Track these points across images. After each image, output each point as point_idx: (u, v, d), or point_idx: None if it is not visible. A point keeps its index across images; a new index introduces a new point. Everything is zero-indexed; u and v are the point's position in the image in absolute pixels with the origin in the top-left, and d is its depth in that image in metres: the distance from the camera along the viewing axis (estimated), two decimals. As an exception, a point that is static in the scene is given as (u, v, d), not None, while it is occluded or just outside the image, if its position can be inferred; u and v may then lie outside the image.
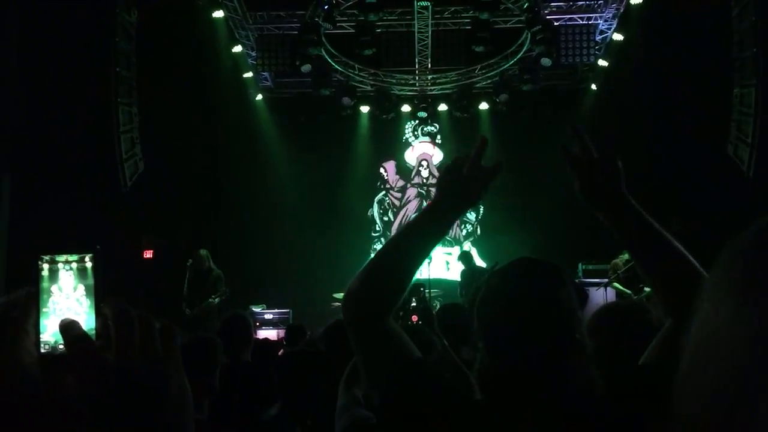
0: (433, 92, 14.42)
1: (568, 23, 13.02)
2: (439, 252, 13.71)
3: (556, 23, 12.74)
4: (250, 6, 13.04)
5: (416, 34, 13.34)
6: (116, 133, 11.16)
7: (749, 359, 0.60)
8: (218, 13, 12.44)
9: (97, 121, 10.82)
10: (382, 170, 14.95)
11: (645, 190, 1.77)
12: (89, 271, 0.76)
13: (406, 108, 14.40)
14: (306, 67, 12.70)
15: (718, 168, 11.12)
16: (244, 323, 3.98)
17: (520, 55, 13.32)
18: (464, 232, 14.73)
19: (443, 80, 14.21)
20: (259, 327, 10.36)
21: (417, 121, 14.74)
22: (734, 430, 0.59)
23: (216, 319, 8.74)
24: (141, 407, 0.68)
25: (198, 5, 12.16)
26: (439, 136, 14.86)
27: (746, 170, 10.72)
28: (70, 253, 0.76)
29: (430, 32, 13.27)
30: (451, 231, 14.80)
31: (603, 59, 13.30)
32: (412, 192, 14.87)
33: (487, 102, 14.07)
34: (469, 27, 12.68)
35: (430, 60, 13.87)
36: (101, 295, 0.75)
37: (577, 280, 9.94)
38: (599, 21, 13.13)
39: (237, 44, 13.23)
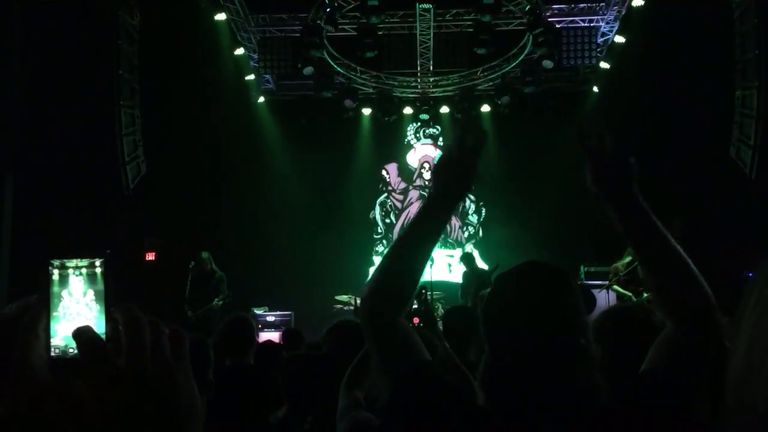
0: (435, 94, 14.43)
1: (569, 26, 13.03)
2: (441, 254, 13.71)
3: (557, 26, 12.74)
4: (252, 8, 13.05)
5: (418, 36, 13.35)
6: (119, 136, 11.19)
7: None
8: (220, 16, 12.45)
9: (99, 123, 10.85)
10: (384, 172, 14.96)
11: (646, 192, 1.78)
12: (99, 276, 0.77)
13: (408, 110, 14.40)
14: (308, 70, 12.71)
15: (720, 170, 11.12)
16: (247, 325, 3.98)
17: (521, 57, 13.33)
18: (466, 234, 14.73)
19: (445, 82, 14.22)
20: (261, 329, 10.36)
21: (419, 124, 14.75)
22: None
23: (218, 321, 8.76)
24: (151, 412, 0.69)
25: (200, 8, 12.17)
26: (441, 138, 14.86)
27: (748, 172, 10.72)
28: (80, 257, 0.77)
29: (432, 34, 13.29)
30: (453, 233, 14.84)
31: (605, 61, 13.30)
32: (414, 194, 14.87)
33: (489, 104, 14.07)
34: (471, 29, 12.68)
35: (431, 62, 13.88)
36: (111, 300, 0.76)
37: (578, 282, 9.94)
38: (601, 23, 13.14)
39: (239, 47, 13.25)
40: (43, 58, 9.48)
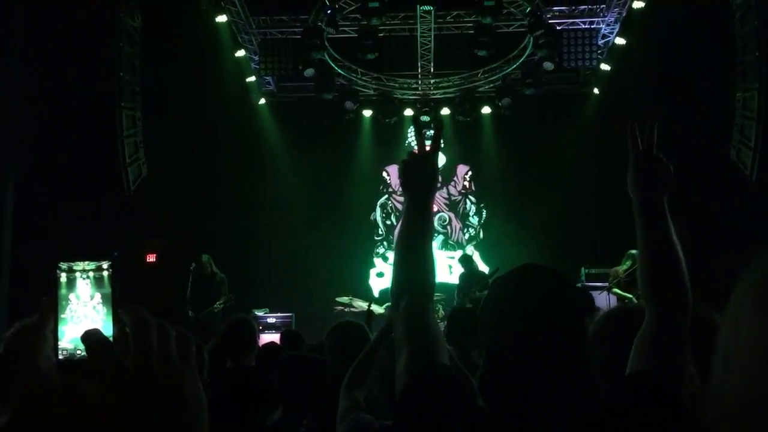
0: (436, 96, 14.44)
1: (570, 27, 13.03)
2: (442, 255, 13.72)
3: (558, 27, 12.75)
4: (253, 10, 13.07)
5: (419, 38, 13.36)
6: (120, 138, 11.19)
7: None
8: (221, 18, 12.47)
9: (100, 125, 10.85)
10: (384, 174, 14.96)
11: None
12: (106, 279, 0.77)
13: (408, 112, 14.41)
14: (309, 72, 12.73)
15: (721, 172, 11.12)
16: (249, 327, 3.98)
17: (522, 59, 13.34)
18: (467, 235, 14.73)
19: (446, 84, 14.23)
20: (262, 331, 10.36)
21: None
22: None
23: (219, 323, 8.77)
24: (158, 414, 0.69)
25: (201, 10, 12.19)
26: (441, 140, 14.84)
27: (749, 174, 10.72)
28: (87, 260, 0.77)
29: (432, 36, 13.30)
30: (453, 234, 14.84)
31: (605, 63, 13.31)
32: (414, 196, 14.86)
33: (490, 106, 14.08)
34: (472, 31, 12.68)
35: (432, 64, 13.89)
36: (118, 302, 0.76)
37: (579, 284, 9.94)
38: (601, 25, 13.15)
39: (240, 48, 13.26)
40: (44, 60, 9.48)
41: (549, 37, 12.12)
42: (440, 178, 14.88)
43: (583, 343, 1.46)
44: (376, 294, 13.29)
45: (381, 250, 14.53)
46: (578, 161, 13.26)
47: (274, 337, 10.33)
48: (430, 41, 13.40)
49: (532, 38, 12.49)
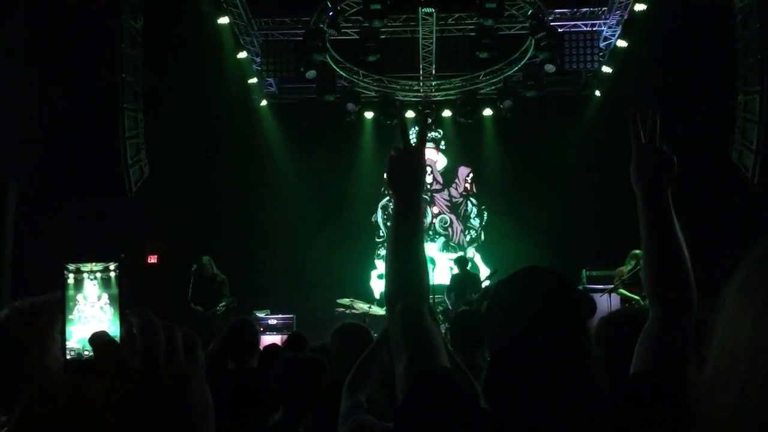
0: (437, 98, 14.44)
1: (572, 30, 13.04)
2: (443, 258, 13.72)
3: (560, 30, 12.76)
4: (255, 12, 13.08)
5: (420, 40, 13.36)
6: (122, 139, 11.20)
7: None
8: (223, 20, 12.49)
9: (102, 126, 10.87)
10: (386, 176, 14.93)
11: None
12: (113, 280, 0.78)
13: (410, 114, 14.42)
14: (311, 73, 12.74)
15: (723, 174, 11.12)
16: (251, 329, 3.98)
17: (524, 61, 13.34)
18: (468, 237, 14.73)
19: (447, 86, 14.24)
20: (263, 332, 10.37)
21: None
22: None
23: (220, 325, 8.78)
24: (165, 414, 0.70)
25: (203, 11, 12.21)
26: (443, 142, 14.87)
27: (750, 176, 10.72)
28: (95, 261, 0.78)
29: (434, 38, 13.30)
30: (455, 236, 14.84)
31: (607, 66, 13.31)
32: (416, 198, 14.86)
33: (491, 108, 14.08)
34: (474, 33, 12.70)
35: (434, 66, 13.89)
36: (125, 303, 0.77)
37: (581, 286, 9.94)
38: (603, 28, 13.15)
39: (242, 50, 13.27)
40: (46, 61, 9.50)
41: (550, 40, 12.13)
42: (441, 180, 14.78)
43: (585, 344, 1.46)
44: (377, 296, 13.28)
45: (382, 251, 14.52)
46: (579, 163, 13.26)
47: (275, 338, 10.34)
48: (431, 43, 13.41)
49: (533, 40, 12.49)
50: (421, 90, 14.40)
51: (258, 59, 13.54)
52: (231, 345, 3.85)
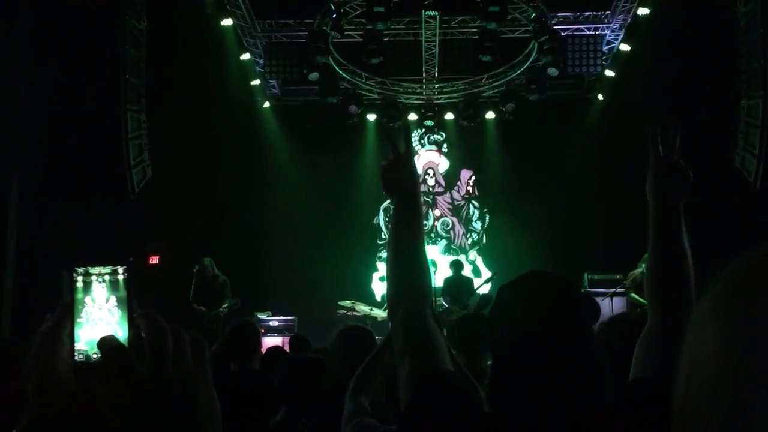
0: (440, 101, 14.45)
1: (575, 33, 13.05)
2: (444, 261, 13.70)
3: (563, 33, 12.77)
4: (258, 14, 13.10)
5: (423, 43, 13.38)
6: (125, 140, 11.22)
7: (736, 372, 0.62)
8: (227, 21, 12.51)
9: (105, 127, 10.89)
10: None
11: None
12: (121, 283, 0.78)
13: (412, 116, 14.43)
14: (313, 75, 12.75)
15: (725, 179, 11.11)
16: (253, 331, 3.98)
17: (527, 64, 13.35)
18: (470, 240, 14.73)
19: (450, 89, 14.25)
20: (264, 334, 10.36)
21: (423, 130, 14.76)
22: None
23: (222, 326, 8.79)
24: (172, 419, 0.70)
25: (207, 13, 12.23)
26: (445, 145, 14.88)
27: (753, 181, 10.71)
28: (103, 265, 0.79)
29: (437, 41, 13.31)
30: (456, 239, 14.83)
31: (610, 69, 13.32)
32: (418, 200, 14.85)
33: (494, 111, 14.09)
34: (477, 36, 12.71)
35: (437, 69, 13.91)
36: (133, 306, 0.78)
37: (582, 290, 9.93)
38: (606, 31, 13.16)
39: (245, 52, 13.29)
40: (50, 61, 9.52)
41: (554, 43, 12.14)
42: (443, 183, 14.75)
43: (589, 348, 1.46)
44: (378, 298, 13.29)
45: (384, 254, 14.50)
46: (582, 167, 13.26)
47: (276, 340, 10.34)
48: (434, 46, 13.42)
49: (536, 44, 12.51)
50: (424, 93, 14.41)
51: (261, 61, 13.56)
52: (233, 347, 3.85)
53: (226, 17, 12.46)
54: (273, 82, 14.25)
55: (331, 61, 13.14)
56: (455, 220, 14.81)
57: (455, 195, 14.92)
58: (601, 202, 12.68)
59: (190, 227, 11.96)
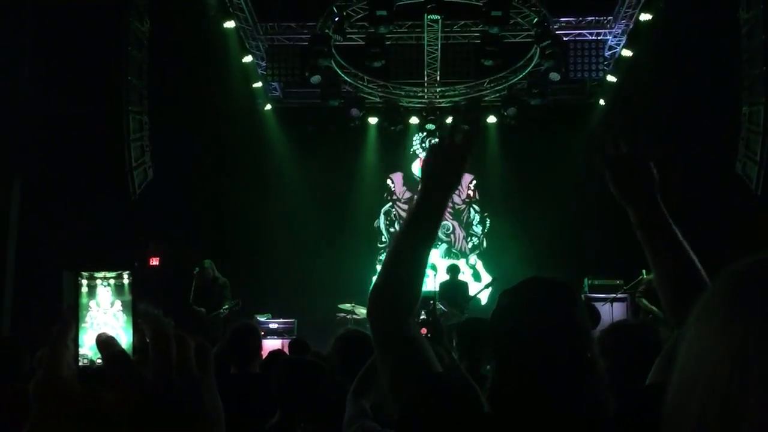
0: (442, 105, 14.46)
1: (577, 39, 13.06)
2: (444, 264, 13.69)
3: (565, 38, 12.78)
4: (261, 17, 13.12)
5: (425, 46, 13.38)
6: (126, 141, 11.23)
7: (730, 376, 0.62)
8: (229, 24, 12.52)
9: (107, 128, 10.90)
10: (389, 181, 14.97)
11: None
12: (126, 288, 0.78)
13: (414, 120, 14.44)
14: (315, 78, 12.76)
15: (726, 185, 11.11)
16: (254, 334, 3.97)
17: (528, 69, 13.37)
18: (470, 244, 14.72)
19: (452, 93, 14.26)
20: (264, 336, 10.35)
21: (425, 134, 14.76)
22: None
23: (221, 328, 8.79)
24: (176, 424, 0.70)
25: (209, 15, 12.25)
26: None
27: (754, 188, 10.70)
28: (109, 269, 0.79)
29: (439, 45, 13.32)
30: (457, 243, 14.83)
31: (612, 75, 13.32)
32: (418, 204, 14.85)
33: (495, 116, 14.10)
34: (479, 41, 12.72)
35: (438, 73, 13.91)
36: (138, 311, 0.77)
37: (582, 295, 9.92)
38: (608, 37, 13.17)
39: (247, 54, 13.31)
40: (52, 62, 9.53)
41: (556, 48, 12.15)
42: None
43: (590, 354, 1.46)
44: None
45: (383, 257, 14.51)
46: (583, 172, 13.25)
47: (276, 342, 10.34)
48: (436, 50, 13.43)
49: (538, 49, 12.51)
50: (426, 96, 14.42)
51: (263, 63, 13.57)
52: (234, 350, 3.85)
53: (229, 19, 12.48)
54: (275, 84, 14.26)
55: (333, 64, 13.15)
56: (456, 223, 14.81)
57: (456, 199, 14.90)
58: (602, 206, 12.64)
59: (191, 229, 11.95)
